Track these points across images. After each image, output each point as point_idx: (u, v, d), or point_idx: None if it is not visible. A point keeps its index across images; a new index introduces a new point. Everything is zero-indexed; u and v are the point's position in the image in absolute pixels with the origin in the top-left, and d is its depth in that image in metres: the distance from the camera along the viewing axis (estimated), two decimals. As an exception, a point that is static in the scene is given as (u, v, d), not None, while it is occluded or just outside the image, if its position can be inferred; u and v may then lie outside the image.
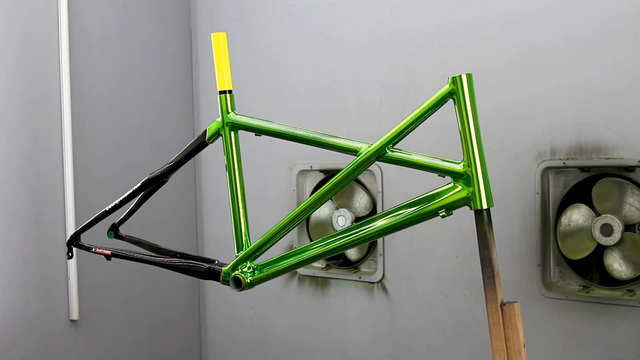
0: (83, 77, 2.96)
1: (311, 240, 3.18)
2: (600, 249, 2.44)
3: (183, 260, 1.93)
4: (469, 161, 1.49)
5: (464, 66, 2.68)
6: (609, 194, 2.42)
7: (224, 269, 1.82)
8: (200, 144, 1.89)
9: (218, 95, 1.84)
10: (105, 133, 3.08)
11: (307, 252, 1.71)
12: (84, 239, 2.21)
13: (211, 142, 1.88)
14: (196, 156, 3.38)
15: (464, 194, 1.50)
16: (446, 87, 1.50)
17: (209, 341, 3.60)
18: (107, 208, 2.10)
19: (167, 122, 3.41)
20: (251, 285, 1.78)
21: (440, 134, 2.58)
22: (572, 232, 2.49)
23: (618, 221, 2.37)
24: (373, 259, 3.05)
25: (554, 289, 2.55)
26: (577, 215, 2.48)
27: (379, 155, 1.60)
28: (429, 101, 1.53)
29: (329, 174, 3.15)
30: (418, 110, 1.54)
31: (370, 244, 3.02)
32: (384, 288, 2.96)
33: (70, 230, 2.82)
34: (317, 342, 3.19)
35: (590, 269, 2.54)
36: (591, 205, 2.46)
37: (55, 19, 2.83)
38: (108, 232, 2.21)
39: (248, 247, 1.80)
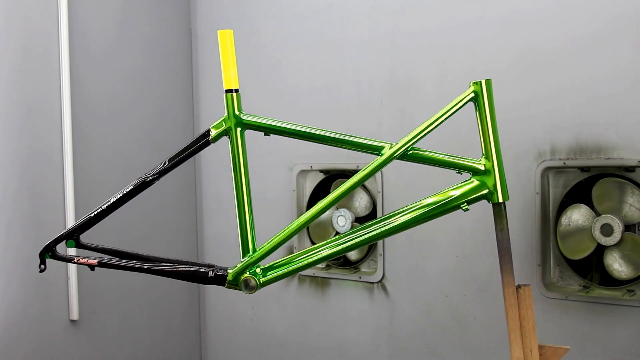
0: (83, 77, 2.95)
1: (311, 241, 3.19)
2: (600, 249, 2.45)
3: (183, 266, 1.86)
4: (489, 158, 1.65)
5: (464, 66, 2.68)
6: (609, 194, 2.43)
7: (231, 272, 1.80)
8: (203, 143, 1.85)
9: (224, 94, 1.81)
10: (105, 134, 3.08)
11: (319, 252, 1.74)
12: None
13: (214, 142, 1.86)
14: (196, 156, 3.38)
15: (485, 188, 1.66)
16: (468, 91, 1.66)
17: (209, 341, 3.60)
18: (91, 214, 1.90)
19: (167, 122, 3.41)
20: (262, 286, 1.79)
21: (440, 133, 2.58)
22: (572, 232, 2.49)
23: (618, 221, 2.37)
24: (373, 259, 3.05)
25: (554, 289, 2.55)
26: (577, 215, 2.48)
27: (403, 153, 1.70)
28: (452, 103, 1.67)
29: (329, 174, 3.15)
30: (442, 112, 1.67)
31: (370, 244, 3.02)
32: (384, 288, 2.96)
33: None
34: (317, 342, 3.19)
35: (590, 269, 2.54)
36: (591, 205, 2.47)
37: (55, 19, 2.83)
38: (67, 241, 1.95)
39: (254, 250, 1.79)
